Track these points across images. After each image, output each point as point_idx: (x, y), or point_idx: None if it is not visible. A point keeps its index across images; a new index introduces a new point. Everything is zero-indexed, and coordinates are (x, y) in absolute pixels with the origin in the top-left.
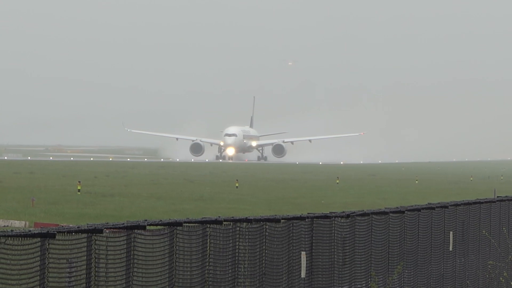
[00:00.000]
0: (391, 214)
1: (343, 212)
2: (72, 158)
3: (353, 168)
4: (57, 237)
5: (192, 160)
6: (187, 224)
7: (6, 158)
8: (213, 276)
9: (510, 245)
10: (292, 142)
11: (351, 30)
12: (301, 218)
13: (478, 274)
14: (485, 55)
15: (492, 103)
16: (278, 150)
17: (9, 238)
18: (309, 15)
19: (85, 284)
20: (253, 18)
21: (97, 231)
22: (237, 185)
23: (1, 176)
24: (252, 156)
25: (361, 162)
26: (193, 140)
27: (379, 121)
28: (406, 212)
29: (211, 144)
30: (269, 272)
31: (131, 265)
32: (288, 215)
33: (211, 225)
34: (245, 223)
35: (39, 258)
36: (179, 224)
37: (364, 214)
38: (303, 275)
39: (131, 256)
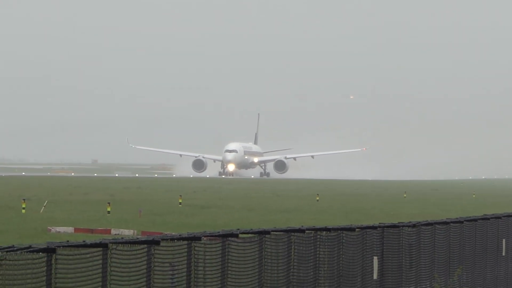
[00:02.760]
0: (451, 224)
1: (410, 222)
2: (174, 175)
3: (417, 183)
4: (161, 244)
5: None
6: (275, 233)
7: (117, 175)
8: (297, 278)
9: None
10: (294, 158)
11: (362, 48)
12: (373, 227)
13: None
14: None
15: None
16: (280, 166)
17: (120, 244)
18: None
19: (185, 285)
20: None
21: (196, 238)
22: (317, 198)
23: (113, 190)
24: (255, 172)
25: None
26: (196, 156)
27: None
28: (464, 222)
29: (214, 160)
30: (345, 274)
31: (226, 268)
32: (362, 225)
33: (295, 234)
34: (324, 232)
35: (146, 262)
36: (267, 232)
37: (428, 224)
38: (375, 277)
39: (226, 261)
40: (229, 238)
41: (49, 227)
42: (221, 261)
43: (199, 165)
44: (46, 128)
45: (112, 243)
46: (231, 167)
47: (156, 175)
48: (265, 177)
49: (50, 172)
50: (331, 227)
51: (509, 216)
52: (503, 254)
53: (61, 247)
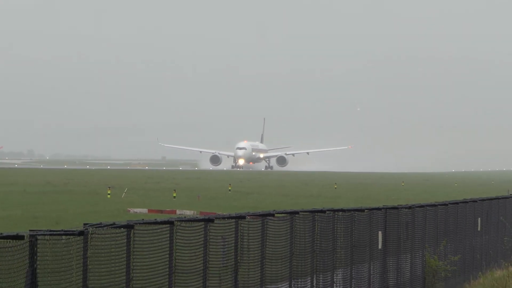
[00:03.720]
0: (438, 206)
1: (407, 204)
2: (225, 168)
3: (412, 175)
4: (215, 221)
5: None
6: (302, 213)
7: (181, 168)
8: (319, 248)
9: None
10: (293, 154)
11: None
12: (378, 208)
13: (497, 246)
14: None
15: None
16: (281, 161)
17: (183, 222)
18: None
19: (233, 254)
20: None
21: (242, 217)
22: (335, 186)
23: (178, 180)
24: (260, 166)
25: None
26: (212, 153)
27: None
28: (449, 204)
29: (228, 156)
30: (357, 244)
31: (265, 240)
32: (369, 207)
33: (318, 214)
34: (341, 212)
35: (203, 235)
36: (296, 212)
37: (420, 206)
38: (380, 247)
39: (265, 235)
40: (267, 217)
41: (128, 209)
42: (261, 235)
43: (215, 160)
44: (126, 130)
45: (177, 220)
46: (241, 162)
47: (211, 168)
48: (269, 169)
49: (129, 166)
50: (346, 208)
51: (483, 200)
52: (479, 229)
53: (138, 224)
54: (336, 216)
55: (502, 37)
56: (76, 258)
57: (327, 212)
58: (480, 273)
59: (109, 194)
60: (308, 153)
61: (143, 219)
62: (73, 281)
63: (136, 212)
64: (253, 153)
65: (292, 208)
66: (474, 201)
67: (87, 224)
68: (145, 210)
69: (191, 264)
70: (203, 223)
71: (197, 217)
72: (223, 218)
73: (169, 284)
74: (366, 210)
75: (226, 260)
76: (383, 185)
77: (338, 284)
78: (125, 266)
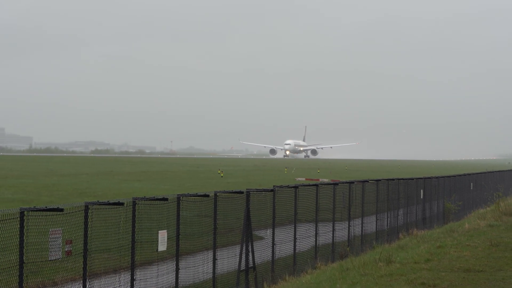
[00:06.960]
0: (451, 177)
1: (435, 176)
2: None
3: (435, 162)
4: (339, 184)
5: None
6: (382, 180)
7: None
8: (391, 197)
9: (497, 188)
10: (322, 148)
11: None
12: (420, 178)
13: (481, 197)
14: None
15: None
16: (313, 152)
17: (324, 185)
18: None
19: (348, 199)
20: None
21: (351, 182)
22: (399, 167)
23: (320, 165)
24: (301, 156)
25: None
26: (271, 147)
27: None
28: (456, 176)
29: (281, 149)
30: (409, 195)
31: (363, 193)
32: (416, 177)
33: (390, 180)
34: (401, 180)
35: (332, 192)
36: (379, 180)
37: (442, 177)
38: (421, 197)
39: (364, 190)
40: (365, 182)
41: (295, 178)
42: (361, 191)
43: (273, 152)
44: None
45: (320, 184)
46: (287, 152)
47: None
48: (306, 158)
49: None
50: (404, 178)
51: (474, 174)
52: (471, 188)
53: (300, 186)
54: (399, 181)
55: None
56: (269, 203)
57: (395, 180)
58: (472, 211)
59: (285, 171)
60: (331, 147)
61: (302, 183)
62: (269, 214)
63: (299, 179)
64: (295, 147)
65: (377, 177)
66: (469, 174)
67: (276, 185)
68: (303, 179)
69: (327, 205)
70: (332, 186)
71: (329, 182)
72: (343, 183)
73: (315, 216)
74: (414, 179)
75: (344, 203)
76: (420, 167)
77: (400, 216)
78: (293, 207)
